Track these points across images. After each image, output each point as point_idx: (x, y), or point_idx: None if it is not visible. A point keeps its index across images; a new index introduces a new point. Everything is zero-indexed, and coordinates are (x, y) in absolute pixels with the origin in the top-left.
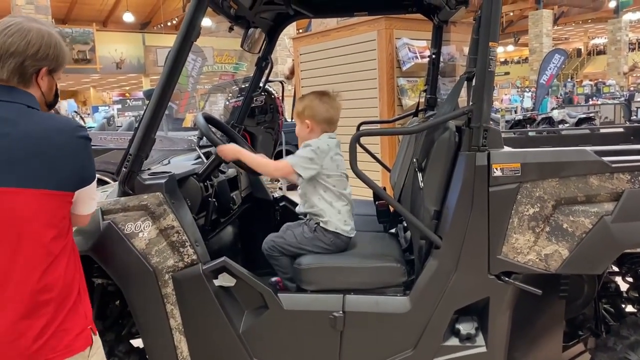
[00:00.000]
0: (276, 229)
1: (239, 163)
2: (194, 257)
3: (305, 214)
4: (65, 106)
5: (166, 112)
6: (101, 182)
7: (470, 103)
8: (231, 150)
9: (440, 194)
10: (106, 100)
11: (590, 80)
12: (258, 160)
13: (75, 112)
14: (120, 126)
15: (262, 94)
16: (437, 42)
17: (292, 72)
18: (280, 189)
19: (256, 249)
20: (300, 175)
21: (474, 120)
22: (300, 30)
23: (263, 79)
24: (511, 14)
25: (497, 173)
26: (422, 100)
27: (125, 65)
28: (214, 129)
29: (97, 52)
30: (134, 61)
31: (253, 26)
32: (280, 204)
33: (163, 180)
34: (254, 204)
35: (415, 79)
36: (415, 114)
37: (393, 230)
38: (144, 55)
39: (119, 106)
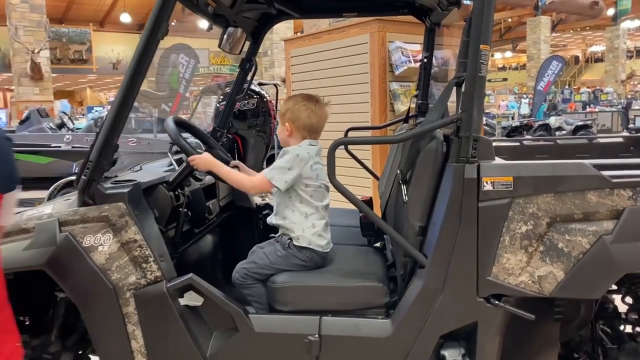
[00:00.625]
0: (260, 238)
1: (213, 174)
2: (158, 273)
3: (277, 228)
4: (59, 106)
5: (156, 114)
6: None
7: (459, 110)
8: (204, 161)
9: (426, 209)
10: (103, 100)
11: (588, 87)
12: (232, 176)
13: (64, 112)
14: None
15: (255, 96)
16: (429, 45)
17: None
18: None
19: (237, 260)
20: (278, 189)
21: (463, 129)
22: (299, 34)
23: (248, 81)
24: (509, 20)
25: (488, 187)
26: (413, 106)
27: (122, 66)
28: (186, 135)
29: (93, 53)
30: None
31: (233, 25)
32: (264, 212)
33: (125, 190)
34: (235, 212)
35: (408, 84)
36: (406, 121)
37: (378, 245)
38: None
39: None
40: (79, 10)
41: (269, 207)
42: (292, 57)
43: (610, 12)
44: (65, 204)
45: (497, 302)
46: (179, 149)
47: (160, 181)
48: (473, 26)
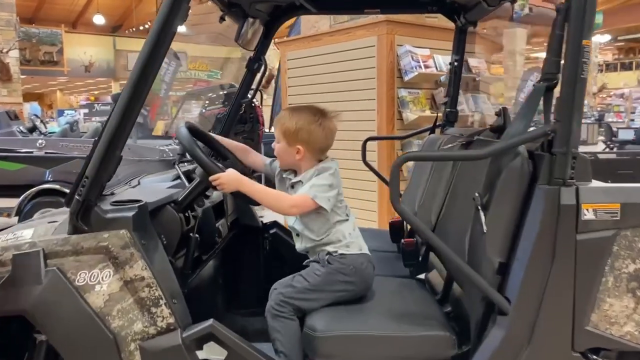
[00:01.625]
0: (265, 261)
1: (240, 196)
2: (171, 320)
3: (310, 250)
4: (28, 109)
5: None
6: (62, 195)
7: (553, 120)
8: (232, 180)
9: (507, 241)
10: (73, 104)
11: None
12: (270, 195)
13: (36, 115)
14: (85, 132)
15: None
16: (459, 47)
17: (267, 82)
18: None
19: (240, 285)
20: (324, 209)
21: (559, 143)
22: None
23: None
24: (484, 31)
25: (589, 215)
26: (441, 114)
27: (95, 69)
28: (200, 145)
29: (65, 54)
30: (103, 65)
31: (250, 16)
32: (271, 231)
33: (131, 214)
34: (240, 231)
35: (417, 91)
36: (433, 131)
37: (422, 276)
38: (114, 59)
39: (86, 110)
40: (50, 11)
41: (276, 225)
42: (289, 61)
43: None
44: (50, 229)
45: (595, 357)
46: (185, 159)
47: (168, 201)
48: (574, 16)
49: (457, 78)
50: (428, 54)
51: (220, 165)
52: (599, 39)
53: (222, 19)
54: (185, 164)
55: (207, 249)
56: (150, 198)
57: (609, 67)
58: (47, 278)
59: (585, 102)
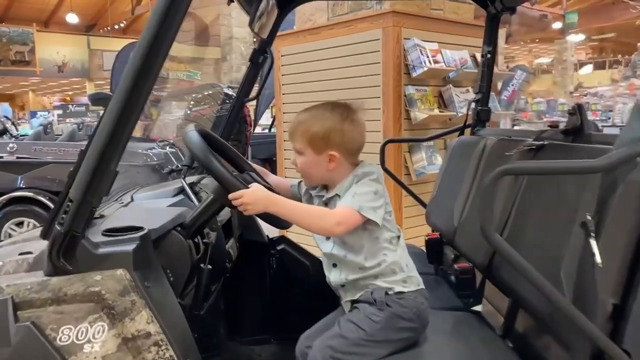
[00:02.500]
0: (271, 282)
1: (265, 215)
2: None
3: (352, 284)
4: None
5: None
6: (36, 203)
7: None
8: (260, 198)
9: (624, 277)
10: (46, 105)
11: (542, 97)
12: (309, 213)
13: (6, 117)
14: (60, 135)
15: (229, 101)
16: (492, 37)
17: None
18: None
19: (244, 309)
20: (373, 222)
21: None
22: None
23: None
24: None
25: None
26: (471, 113)
27: (68, 69)
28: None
29: (37, 54)
30: (77, 65)
31: None
32: (278, 248)
33: (130, 247)
34: (244, 248)
35: (425, 88)
36: (462, 132)
37: (479, 308)
38: (88, 59)
39: (60, 112)
40: (21, 9)
41: (284, 240)
42: (283, 57)
43: (557, 25)
44: (21, 266)
45: None
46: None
47: (173, 225)
48: None
49: (490, 72)
50: (436, 48)
51: (241, 179)
52: (574, 38)
53: (230, 0)
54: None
55: (216, 277)
56: (151, 222)
57: (583, 66)
58: (18, 337)
59: (564, 101)
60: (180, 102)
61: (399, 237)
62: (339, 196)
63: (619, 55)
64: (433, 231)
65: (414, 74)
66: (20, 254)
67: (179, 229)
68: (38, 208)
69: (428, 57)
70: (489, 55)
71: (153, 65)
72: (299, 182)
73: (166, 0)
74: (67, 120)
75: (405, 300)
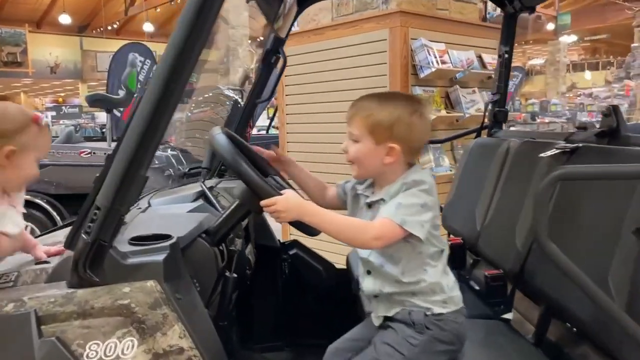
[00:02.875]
0: (284, 288)
1: (297, 223)
2: None
3: (386, 298)
4: None
5: (109, 120)
6: (34, 206)
7: None
8: (294, 205)
9: None
10: (39, 106)
11: (536, 98)
12: (346, 225)
13: None
14: (57, 137)
15: (227, 102)
16: (509, 36)
17: (242, 83)
18: None
19: (256, 316)
20: (416, 238)
21: None
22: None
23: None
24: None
25: None
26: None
27: (61, 70)
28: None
29: (29, 55)
30: (70, 66)
31: None
32: (291, 252)
33: (161, 257)
34: (256, 253)
35: (432, 89)
36: (479, 133)
37: (510, 316)
38: (81, 59)
39: (53, 113)
40: (13, 10)
41: (297, 245)
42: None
43: (551, 27)
44: (39, 276)
45: None
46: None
47: (199, 232)
48: None
49: (507, 72)
50: (443, 48)
51: (272, 184)
52: (567, 39)
53: None
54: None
55: (238, 285)
56: (175, 229)
57: (576, 67)
58: (43, 352)
59: (557, 101)
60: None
61: (442, 251)
62: (384, 201)
63: (611, 57)
64: (449, 235)
65: (422, 75)
66: (37, 263)
67: (204, 236)
68: (36, 211)
69: (436, 57)
70: (506, 55)
71: (186, 66)
72: (345, 183)
73: (197, 1)
74: (61, 121)
75: (444, 322)
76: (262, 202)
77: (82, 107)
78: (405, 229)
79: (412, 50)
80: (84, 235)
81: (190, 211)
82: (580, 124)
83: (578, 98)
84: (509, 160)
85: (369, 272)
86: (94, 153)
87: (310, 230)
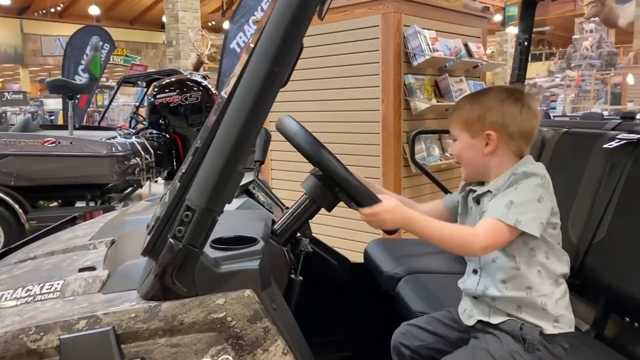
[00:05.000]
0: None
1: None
2: None
3: (487, 302)
4: None
5: (71, 108)
6: None
7: None
8: (399, 215)
9: None
10: None
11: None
12: (452, 234)
13: None
14: (13, 125)
15: (197, 89)
16: (527, 24)
17: (196, 69)
18: None
19: None
20: (531, 236)
21: None
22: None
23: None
24: None
25: None
26: None
27: (1, 55)
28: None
29: None
30: (9, 50)
31: None
32: (304, 250)
33: (256, 263)
34: None
35: (422, 77)
36: None
37: None
38: (22, 43)
39: None
40: None
41: (313, 241)
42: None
43: (498, 18)
44: (92, 285)
45: None
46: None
47: (269, 232)
48: None
49: (526, 60)
50: (434, 36)
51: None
52: (513, 30)
53: None
54: None
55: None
56: (245, 229)
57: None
58: None
59: None
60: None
61: (562, 258)
62: (491, 193)
63: (554, 48)
64: None
65: (415, 63)
66: (81, 269)
67: (272, 236)
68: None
69: (428, 45)
70: (525, 43)
71: (292, 46)
72: (449, 196)
73: None
74: (1, 108)
75: (554, 345)
76: (366, 212)
77: (26, 93)
78: (518, 228)
79: (404, 37)
80: (172, 240)
81: (237, 208)
82: (626, 113)
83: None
84: (549, 150)
85: (475, 272)
86: (59, 142)
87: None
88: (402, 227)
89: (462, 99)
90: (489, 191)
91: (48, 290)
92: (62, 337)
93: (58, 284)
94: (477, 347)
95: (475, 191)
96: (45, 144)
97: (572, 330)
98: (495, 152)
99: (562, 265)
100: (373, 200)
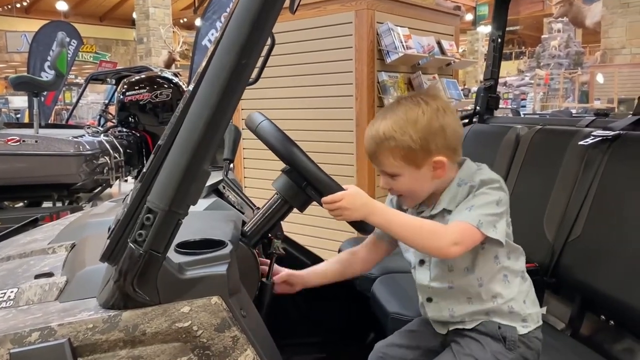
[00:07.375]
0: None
1: (358, 224)
2: None
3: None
4: None
5: (36, 105)
6: None
7: None
8: (360, 204)
9: None
10: None
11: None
12: (419, 227)
13: None
14: None
15: (167, 86)
16: (501, 21)
17: (167, 66)
18: None
19: None
20: (496, 242)
21: None
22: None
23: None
24: None
25: None
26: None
27: None
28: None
29: None
30: None
31: None
32: (276, 252)
33: (223, 268)
34: None
35: (396, 75)
36: (470, 121)
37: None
38: None
39: None
40: None
41: (285, 240)
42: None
43: (469, 17)
44: (49, 292)
45: None
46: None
47: (239, 234)
48: None
49: (500, 57)
50: (408, 33)
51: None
52: (484, 29)
53: None
54: None
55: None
56: (212, 231)
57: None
58: None
59: (476, 89)
60: (99, 86)
61: (520, 254)
62: (448, 211)
63: (523, 47)
64: None
65: (389, 60)
66: (37, 276)
67: (242, 239)
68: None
69: (402, 42)
70: (499, 40)
71: (260, 38)
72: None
73: None
74: None
75: (530, 339)
76: (326, 198)
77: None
78: (482, 232)
79: (378, 34)
80: (133, 245)
81: (206, 209)
82: (599, 111)
83: None
84: (524, 147)
85: (429, 300)
86: (23, 141)
87: (364, 227)
88: (364, 218)
89: (383, 124)
90: (444, 209)
91: (0, 299)
92: (12, 351)
93: (12, 292)
94: (461, 353)
95: (422, 211)
96: (9, 143)
97: (540, 323)
98: (444, 171)
99: (521, 259)
100: (335, 189)
